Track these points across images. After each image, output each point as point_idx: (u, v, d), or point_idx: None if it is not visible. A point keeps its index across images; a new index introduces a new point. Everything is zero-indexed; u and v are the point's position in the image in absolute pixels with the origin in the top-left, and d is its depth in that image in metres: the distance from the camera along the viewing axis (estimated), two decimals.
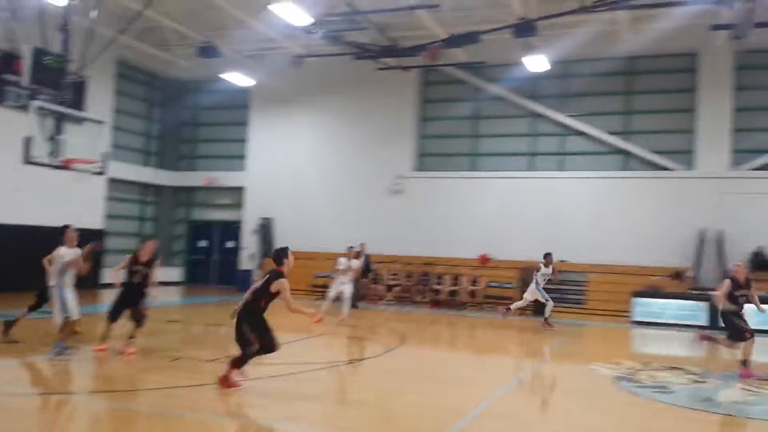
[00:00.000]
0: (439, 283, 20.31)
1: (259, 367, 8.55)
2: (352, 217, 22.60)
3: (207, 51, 20.11)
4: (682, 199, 19.44)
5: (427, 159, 22.91)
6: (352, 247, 16.06)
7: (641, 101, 20.67)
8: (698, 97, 19.82)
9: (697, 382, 9.66)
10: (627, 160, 20.66)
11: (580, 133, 21.03)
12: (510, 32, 17.12)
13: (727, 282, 10.41)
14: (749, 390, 9.06)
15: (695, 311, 16.71)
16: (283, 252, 8.12)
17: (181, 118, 25.96)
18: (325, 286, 21.03)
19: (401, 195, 22.39)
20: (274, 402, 7.66)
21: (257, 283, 8.19)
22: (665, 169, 20.04)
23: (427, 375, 9.92)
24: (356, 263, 15.73)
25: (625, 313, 17.56)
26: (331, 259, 22.16)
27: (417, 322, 17.03)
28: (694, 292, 17.25)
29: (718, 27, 16.83)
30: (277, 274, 7.94)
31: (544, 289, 15.65)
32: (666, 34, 18.07)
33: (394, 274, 20.85)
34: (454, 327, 16.77)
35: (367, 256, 19.05)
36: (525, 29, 16.70)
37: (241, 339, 7.88)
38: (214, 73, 22.24)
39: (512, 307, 16.07)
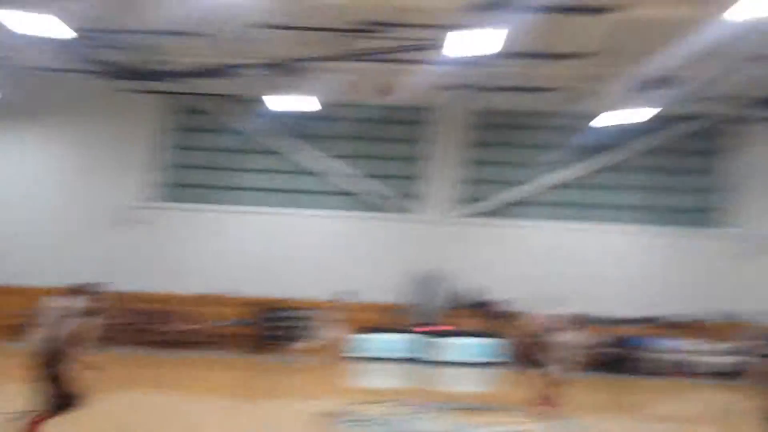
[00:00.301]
0: (166, 322, 18.94)
1: None
2: (75, 248, 20.35)
3: None
4: (407, 240, 20.80)
5: (168, 189, 21.74)
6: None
7: (374, 147, 21.89)
8: (428, 146, 21.61)
9: (411, 414, 10.01)
10: (358, 200, 21.58)
11: (314, 173, 21.55)
12: (257, 69, 17.00)
13: None
14: (454, 420, 9.57)
15: (415, 345, 17.97)
16: None
17: None
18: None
19: (136, 226, 20.85)
20: None
21: None
22: (392, 211, 21.35)
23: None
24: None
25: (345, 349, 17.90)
26: (41, 294, 19.68)
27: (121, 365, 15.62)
28: (413, 328, 18.34)
29: (448, 87, 18.49)
30: None
31: None
32: (403, 88, 19.35)
33: (111, 311, 18.92)
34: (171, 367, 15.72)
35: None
36: (273, 67, 16.74)
37: None
38: None
39: None
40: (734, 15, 12.40)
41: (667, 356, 17.83)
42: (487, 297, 20.11)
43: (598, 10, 13.22)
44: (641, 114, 19.09)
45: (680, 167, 21.66)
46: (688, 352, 17.87)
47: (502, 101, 20.27)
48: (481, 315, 19.75)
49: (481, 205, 21.39)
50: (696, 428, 11.67)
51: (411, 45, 15.17)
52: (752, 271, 20.34)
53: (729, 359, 16.83)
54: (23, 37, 15.84)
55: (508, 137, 21.97)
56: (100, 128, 21.28)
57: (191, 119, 21.91)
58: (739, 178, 21.11)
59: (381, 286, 20.08)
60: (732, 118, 19.81)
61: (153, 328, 18.98)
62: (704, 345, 17.98)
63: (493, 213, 21.48)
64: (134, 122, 21.42)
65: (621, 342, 18.20)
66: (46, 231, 20.75)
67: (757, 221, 20.96)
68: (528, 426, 9.40)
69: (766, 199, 21.08)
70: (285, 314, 19.35)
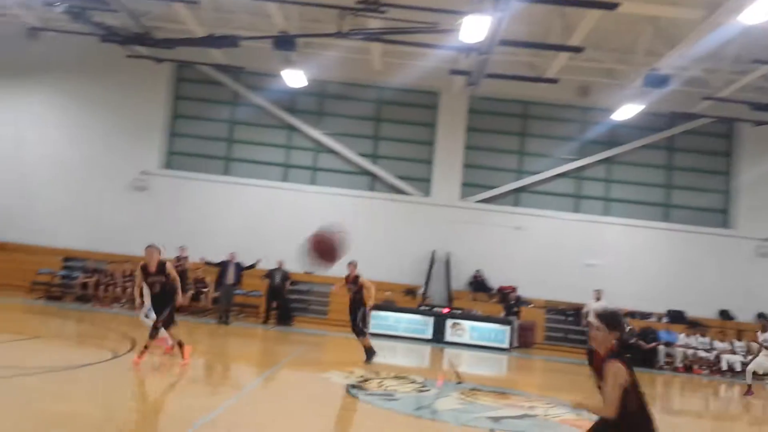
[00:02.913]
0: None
1: None
2: (87, 212, 20.72)
3: None
4: (418, 223, 21.13)
5: (177, 158, 21.92)
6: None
7: (389, 129, 22.10)
8: (437, 131, 21.74)
9: (420, 390, 10.41)
10: (372, 181, 21.86)
11: (332, 151, 21.78)
12: (270, 43, 17.17)
13: None
14: (463, 399, 9.99)
15: (423, 326, 18.12)
16: None
17: None
18: (49, 284, 19.06)
19: (145, 192, 21.09)
20: None
21: None
22: (405, 193, 21.59)
23: (157, 383, 9.34)
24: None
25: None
26: (58, 254, 20.23)
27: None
28: (424, 308, 18.71)
29: (456, 72, 18.69)
30: None
31: None
32: (413, 71, 19.60)
33: (128, 275, 19.24)
34: (194, 333, 16.10)
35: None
36: (284, 43, 16.86)
37: None
38: None
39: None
40: (748, 18, 12.68)
41: (684, 352, 17.90)
42: (500, 283, 20.54)
43: (611, 5, 13.40)
44: (655, 109, 19.45)
45: (696, 166, 21.87)
46: (706, 349, 18.00)
47: (509, 90, 20.53)
48: (493, 300, 20.18)
49: (490, 192, 21.57)
50: (717, 424, 12.08)
51: (423, 27, 15.30)
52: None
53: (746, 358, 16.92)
54: None
55: (517, 126, 22.18)
56: (116, 93, 21.30)
57: (203, 90, 21.98)
58: (756, 179, 21.24)
59: (394, 266, 20.47)
60: (745, 119, 20.04)
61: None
62: (723, 343, 18.16)
63: (501, 200, 21.70)
64: (148, 89, 21.43)
65: (641, 335, 18.32)
66: (62, 193, 20.90)
67: None
68: (541, 410, 9.79)
69: None
70: (303, 288, 19.86)
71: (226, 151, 21.99)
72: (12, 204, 20.71)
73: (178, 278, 10.29)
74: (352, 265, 12.95)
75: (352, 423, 7.96)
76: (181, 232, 20.53)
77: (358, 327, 12.88)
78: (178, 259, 16.68)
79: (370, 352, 12.78)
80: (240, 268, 18.02)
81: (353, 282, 12.90)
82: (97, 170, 21.15)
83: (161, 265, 10.14)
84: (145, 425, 6.88)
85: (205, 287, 19.02)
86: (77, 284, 19.06)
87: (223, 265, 17.97)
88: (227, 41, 17.28)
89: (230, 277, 17.81)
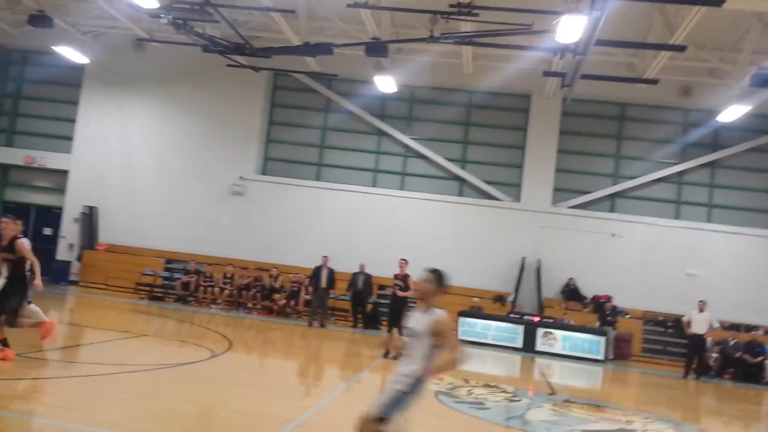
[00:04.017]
0: (273, 290, 19.77)
1: (69, 365, 7.83)
2: (187, 216, 21.69)
3: (39, 20, 18.33)
4: (508, 229, 20.78)
5: (272, 164, 22.58)
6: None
7: (478, 133, 21.87)
8: (528, 135, 21.35)
9: (510, 400, 10.25)
10: (462, 187, 21.72)
11: (422, 156, 21.81)
12: (362, 49, 17.40)
13: None
14: (556, 411, 9.75)
15: (513, 334, 17.82)
16: None
17: (5, 89, 23.44)
18: (152, 285, 20.13)
19: (242, 197, 21.85)
20: (81, 405, 7.02)
21: None
22: (495, 199, 21.32)
23: (252, 382, 9.64)
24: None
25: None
26: (161, 257, 21.31)
27: (247, 328, 16.61)
28: (513, 315, 18.40)
29: (550, 74, 18.28)
30: None
31: None
32: (505, 74, 19.32)
33: (229, 277, 20.07)
34: (285, 335, 16.55)
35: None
36: (376, 49, 17.05)
37: None
38: (45, 44, 20.39)
39: None
40: None
41: None
42: (594, 292, 19.95)
43: (717, 2, 12.73)
44: (763, 111, 18.38)
45: None
46: None
47: (605, 91, 19.89)
48: (587, 309, 19.63)
49: (584, 197, 20.96)
50: None
51: (516, 29, 15.04)
52: None
53: None
54: (133, 6, 16.88)
55: (613, 129, 21.48)
56: (216, 101, 22.12)
57: (298, 97, 22.54)
58: None
59: (483, 273, 20.25)
60: None
61: (259, 296, 19.70)
62: None
63: (596, 205, 21.05)
64: (246, 97, 22.15)
65: (746, 348, 17.29)
66: (165, 197, 21.94)
67: None
68: (639, 425, 9.42)
69: None
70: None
71: (319, 157, 22.44)
72: (120, 208, 21.97)
73: (35, 260, 8.94)
74: (404, 262, 13.30)
75: (442, 429, 7.91)
76: (276, 236, 21.20)
77: (401, 325, 12.95)
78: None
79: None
80: (332, 273, 18.32)
81: (402, 279, 13.08)
82: (197, 176, 22.07)
83: (12, 240, 8.76)
84: (241, 423, 7.10)
85: (299, 290, 19.43)
86: (178, 285, 19.94)
87: (316, 270, 18.33)
88: (322, 48, 17.64)
89: (323, 281, 18.15)
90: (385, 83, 19.33)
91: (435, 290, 4.95)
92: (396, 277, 13.26)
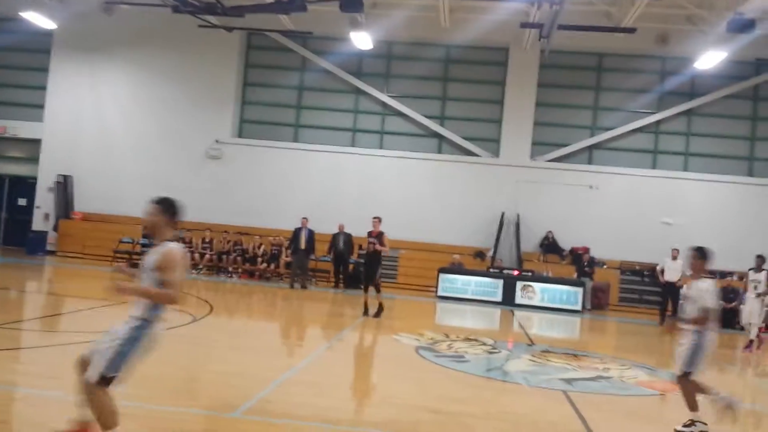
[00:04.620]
0: (254, 254, 19.77)
1: (50, 335, 7.83)
2: (164, 181, 21.36)
3: None
4: (487, 184, 20.86)
5: (248, 126, 22.34)
6: None
7: (456, 88, 21.73)
8: (506, 89, 21.24)
9: (490, 352, 10.44)
10: (440, 143, 21.67)
11: (400, 114, 21.67)
12: (337, 5, 17.04)
13: None
14: (534, 361, 9.95)
15: (493, 288, 18.04)
16: None
17: None
18: (130, 252, 19.99)
19: (218, 161, 21.66)
20: (62, 373, 7.03)
21: None
22: (474, 155, 21.31)
23: (233, 345, 9.71)
24: None
25: (432, 288, 18.49)
26: (139, 224, 21.09)
27: (228, 292, 16.66)
28: (493, 270, 18.59)
29: (526, 25, 18.11)
30: None
31: None
32: (482, 26, 19.09)
33: (208, 242, 20.01)
34: (267, 298, 16.63)
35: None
36: (351, 4, 16.68)
37: None
38: (11, 10, 19.79)
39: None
40: None
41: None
42: (572, 244, 20.14)
43: None
44: (739, 57, 18.39)
45: None
46: None
47: (583, 42, 19.79)
48: (565, 261, 19.86)
49: (562, 150, 21.01)
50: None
51: None
52: None
53: None
54: None
55: (590, 80, 21.44)
56: (189, 64, 21.77)
57: (273, 57, 22.19)
58: None
59: (463, 229, 20.40)
60: None
61: (239, 259, 19.72)
62: None
63: (574, 158, 21.13)
64: (220, 59, 21.79)
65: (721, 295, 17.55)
66: (140, 163, 21.66)
67: None
68: (616, 372, 9.64)
69: None
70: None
71: (296, 117, 22.22)
72: (94, 176, 21.68)
73: None
74: (377, 220, 13.36)
75: (423, 383, 8.06)
76: (255, 200, 21.11)
77: (377, 282, 13.15)
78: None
79: (381, 309, 13.06)
80: (312, 234, 18.32)
81: (377, 237, 13.19)
82: (173, 140, 21.81)
83: None
84: (225, 384, 7.18)
85: (279, 253, 19.46)
86: None
87: (296, 232, 18.32)
88: (295, 5, 17.28)
89: (303, 242, 18.15)
90: (361, 40, 19.05)
91: (163, 222, 4.59)
92: (370, 234, 13.32)
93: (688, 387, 6.44)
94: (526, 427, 6.51)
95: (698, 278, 6.59)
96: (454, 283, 18.18)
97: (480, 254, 20.05)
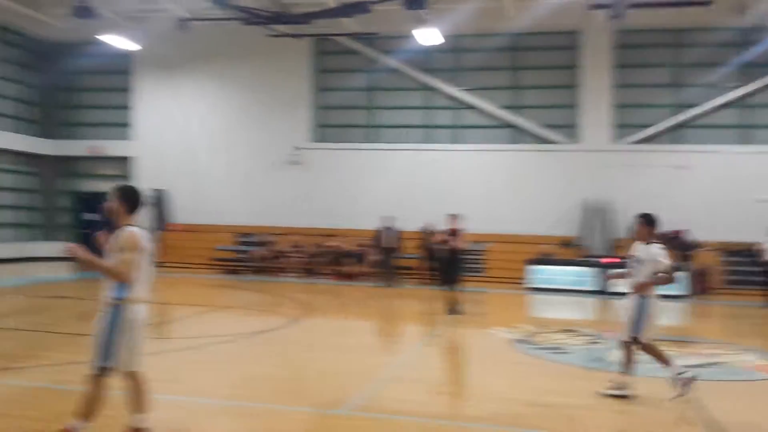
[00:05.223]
0: (341, 255, 19.97)
1: (161, 341, 8.15)
2: (250, 189, 22.11)
3: (83, 11, 18.57)
4: (568, 171, 20.36)
5: (325, 130, 22.61)
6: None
7: (527, 77, 21.28)
8: (580, 73, 20.68)
9: (591, 343, 10.17)
10: (517, 133, 21.31)
11: (471, 107, 21.44)
12: (400, 4, 17.04)
13: None
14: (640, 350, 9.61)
15: (584, 277, 17.60)
16: None
17: (58, 83, 24.06)
18: (226, 260, 20.65)
19: (299, 166, 22.05)
20: (178, 376, 7.32)
21: None
22: (552, 142, 20.87)
23: (332, 344, 9.84)
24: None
25: (520, 280, 18.20)
26: (232, 231, 21.80)
27: (320, 293, 16.93)
28: (583, 259, 18.12)
29: (596, 6, 17.57)
30: None
31: None
32: (548, 12, 18.64)
33: (297, 246, 20.51)
34: (357, 297, 16.78)
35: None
36: (414, 1, 16.67)
37: None
38: (92, 35, 20.73)
39: None
40: None
41: None
42: (665, 227, 19.36)
43: None
44: None
45: None
46: None
47: (657, 19, 19.02)
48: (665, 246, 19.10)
49: (646, 131, 20.23)
50: None
51: None
52: None
53: None
54: None
55: (668, 57, 20.57)
56: (263, 73, 22.27)
57: (341, 60, 22.38)
58: None
59: (546, 219, 20.00)
60: None
61: (328, 261, 20.06)
62: None
63: (659, 139, 20.33)
64: (291, 66, 22.19)
65: None
66: (227, 174, 22.38)
67: None
68: (728, 357, 9.23)
69: None
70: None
71: (369, 118, 22.35)
72: (189, 190, 22.48)
73: None
74: (453, 216, 13.07)
75: (522, 376, 7.95)
76: (337, 202, 21.38)
77: (457, 279, 12.95)
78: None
79: (460, 307, 12.78)
80: (396, 232, 18.37)
81: (453, 233, 12.97)
82: (253, 150, 22.36)
83: None
84: (328, 383, 7.28)
85: (366, 252, 19.61)
86: (250, 258, 20.52)
87: (379, 231, 18.42)
88: (359, 8, 17.47)
89: (387, 241, 18.21)
90: (429, 36, 18.92)
91: (121, 209, 4.88)
92: (446, 232, 13.18)
93: None
94: (636, 416, 6.32)
95: None
96: (544, 274, 17.86)
97: (567, 243, 19.61)
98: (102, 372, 4.74)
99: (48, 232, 23.94)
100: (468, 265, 19.60)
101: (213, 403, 6.44)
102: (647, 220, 6.84)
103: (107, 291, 4.79)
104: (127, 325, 4.78)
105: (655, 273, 6.47)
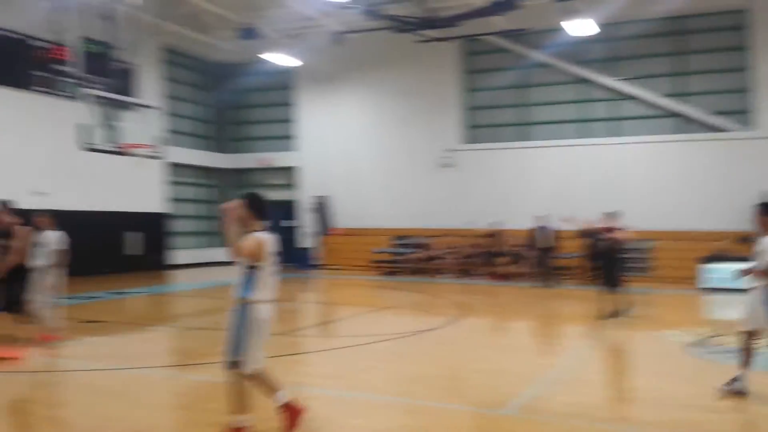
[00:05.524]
0: (497, 255, 19.90)
1: (327, 339, 8.61)
2: (405, 192, 22.70)
3: (247, 33, 20.17)
4: (743, 161, 18.81)
5: (476, 131, 22.62)
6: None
7: (692, 61, 19.97)
8: (752, 54, 19.02)
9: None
10: (682, 122, 20.02)
11: (632, 97, 20.45)
12: None
13: None
14: None
15: None
16: None
17: (228, 101, 26.15)
18: (384, 261, 21.34)
19: (451, 168, 22.25)
20: (344, 373, 7.71)
21: None
22: (722, 130, 19.36)
23: (491, 344, 9.86)
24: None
25: (692, 280, 17.03)
26: (388, 234, 22.52)
27: (477, 294, 16.96)
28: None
29: None
30: None
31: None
32: None
33: (452, 248, 20.76)
34: (515, 297, 16.61)
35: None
36: None
37: None
38: (256, 54, 22.30)
39: None
40: None
41: None
42: None
43: None
44: None
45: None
46: None
47: None
48: None
49: None
50: None
51: None
52: None
53: None
54: (326, 3, 17.78)
55: None
56: (413, 78, 22.77)
57: (490, 59, 22.25)
58: None
59: (720, 213, 18.65)
60: None
61: (485, 261, 20.11)
62: None
63: None
64: (439, 69, 22.48)
65: None
66: (382, 179, 23.14)
67: None
68: None
69: None
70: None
71: (522, 116, 22.03)
72: (345, 194, 23.56)
73: (23, 245, 8.47)
74: (609, 215, 12.48)
75: (697, 381, 7.47)
76: (490, 202, 21.28)
77: (618, 280, 12.13)
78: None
79: (623, 309, 11.90)
80: (552, 231, 17.91)
81: (609, 231, 12.34)
82: (407, 154, 22.91)
83: (7, 227, 8.63)
84: (490, 383, 7.31)
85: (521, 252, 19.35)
86: (407, 259, 21.09)
87: (535, 230, 18.07)
88: (506, 5, 17.31)
89: (543, 241, 17.85)
90: (581, 26, 18.32)
91: (249, 215, 5.05)
92: (603, 230, 12.62)
93: None
94: None
95: None
96: (720, 273, 16.57)
97: (745, 239, 18.02)
98: (235, 366, 5.01)
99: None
100: (633, 265, 18.76)
101: (375, 399, 6.70)
102: (765, 209, 6.10)
103: (235, 291, 5.12)
104: (253, 324, 5.03)
105: None
